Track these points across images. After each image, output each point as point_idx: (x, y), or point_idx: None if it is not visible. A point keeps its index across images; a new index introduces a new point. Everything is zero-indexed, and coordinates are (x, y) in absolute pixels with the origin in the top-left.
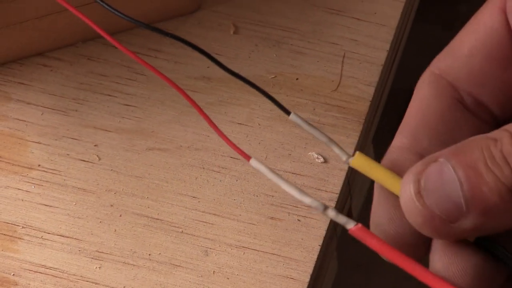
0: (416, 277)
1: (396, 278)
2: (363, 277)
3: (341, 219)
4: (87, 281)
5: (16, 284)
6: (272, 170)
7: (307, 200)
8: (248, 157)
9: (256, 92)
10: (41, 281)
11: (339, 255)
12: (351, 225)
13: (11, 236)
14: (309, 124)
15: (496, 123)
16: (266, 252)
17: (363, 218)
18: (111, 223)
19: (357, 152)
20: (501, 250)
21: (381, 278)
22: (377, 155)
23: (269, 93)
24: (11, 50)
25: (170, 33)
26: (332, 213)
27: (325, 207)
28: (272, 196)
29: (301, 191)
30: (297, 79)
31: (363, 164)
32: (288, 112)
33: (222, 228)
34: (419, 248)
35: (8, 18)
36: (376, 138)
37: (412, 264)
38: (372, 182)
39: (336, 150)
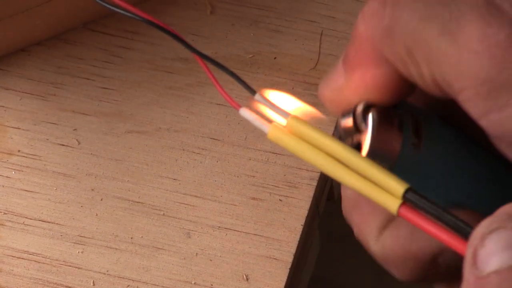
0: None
1: None
2: (346, 254)
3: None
4: (70, 265)
5: (0, 271)
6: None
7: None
8: (238, 106)
9: (234, 72)
10: (24, 267)
11: (321, 233)
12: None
13: None
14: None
15: None
16: (249, 233)
17: None
18: (92, 207)
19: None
20: (429, 204)
21: (364, 253)
22: None
23: (247, 72)
24: (15, 39)
25: (149, 20)
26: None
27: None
28: (253, 176)
29: None
30: (275, 58)
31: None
32: (253, 92)
33: (204, 210)
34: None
35: (14, 6)
36: None
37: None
38: None
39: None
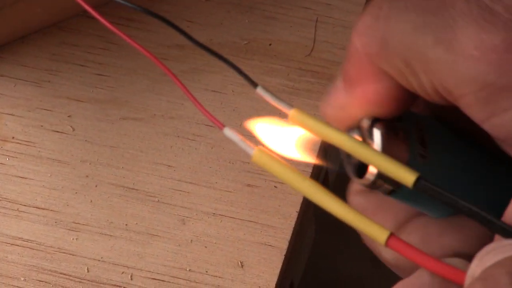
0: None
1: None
2: (341, 241)
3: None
4: (64, 252)
5: None
6: (245, 141)
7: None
8: (221, 126)
9: (230, 59)
10: (18, 253)
11: (316, 220)
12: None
13: None
14: (276, 97)
15: None
16: (244, 220)
17: (339, 183)
18: (87, 194)
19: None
20: (440, 191)
21: (359, 242)
22: None
23: (242, 59)
24: (16, 28)
25: (142, 7)
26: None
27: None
28: (248, 163)
29: None
30: (270, 44)
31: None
32: (255, 85)
33: (199, 197)
34: None
35: None
36: None
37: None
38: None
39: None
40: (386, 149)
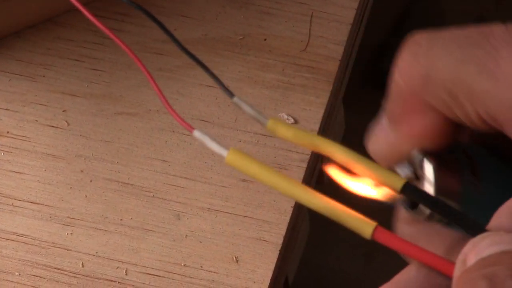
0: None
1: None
2: (335, 237)
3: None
4: (59, 247)
5: None
6: (216, 140)
7: None
8: (191, 128)
9: (225, 54)
10: (13, 248)
11: (311, 215)
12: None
13: None
14: (252, 108)
15: None
16: (239, 215)
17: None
18: (81, 188)
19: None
20: (425, 195)
21: (353, 237)
22: (348, 114)
23: (237, 54)
24: (11, 23)
25: (136, 4)
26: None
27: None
28: None
29: None
30: (265, 40)
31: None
32: (232, 95)
33: (194, 192)
34: None
35: None
36: (346, 97)
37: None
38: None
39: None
40: (439, 182)
